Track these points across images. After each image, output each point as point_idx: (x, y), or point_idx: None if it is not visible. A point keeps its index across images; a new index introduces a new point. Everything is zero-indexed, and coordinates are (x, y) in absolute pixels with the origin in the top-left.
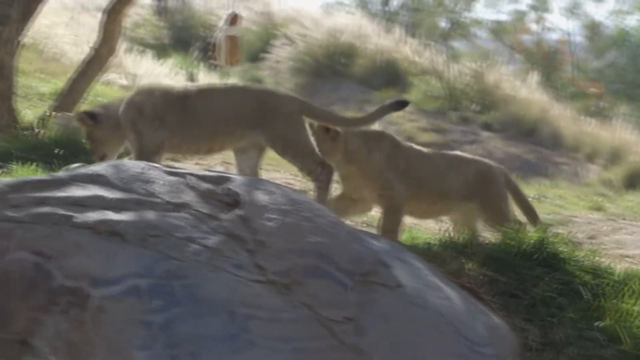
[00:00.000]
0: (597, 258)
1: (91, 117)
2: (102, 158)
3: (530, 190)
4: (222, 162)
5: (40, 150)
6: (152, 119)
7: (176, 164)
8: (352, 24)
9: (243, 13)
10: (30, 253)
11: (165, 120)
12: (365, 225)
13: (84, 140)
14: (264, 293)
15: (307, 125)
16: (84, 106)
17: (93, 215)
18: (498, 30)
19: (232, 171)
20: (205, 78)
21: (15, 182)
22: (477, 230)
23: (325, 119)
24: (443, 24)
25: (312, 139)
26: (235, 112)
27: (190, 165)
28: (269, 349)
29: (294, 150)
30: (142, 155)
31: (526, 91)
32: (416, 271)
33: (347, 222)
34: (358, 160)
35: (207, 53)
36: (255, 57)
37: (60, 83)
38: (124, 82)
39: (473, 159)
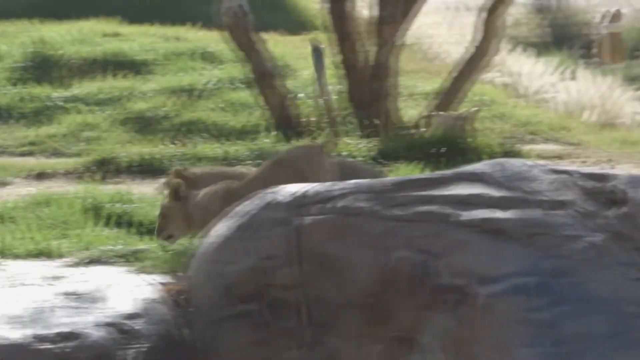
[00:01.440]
0: None
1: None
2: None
3: None
4: (607, 161)
5: (423, 148)
6: None
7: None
8: None
9: (624, 10)
10: (416, 251)
11: None
12: None
13: (468, 139)
14: None
15: None
16: (465, 105)
17: (478, 214)
18: None
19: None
20: (585, 76)
21: (401, 180)
22: None
23: None
24: None
25: None
26: None
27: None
28: None
29: None
30: None
31: None
32: None
33: None
34: None
35: (589, 51)
36: (636, 54)
37: (441, 82)
38: (506, 80)
39: None
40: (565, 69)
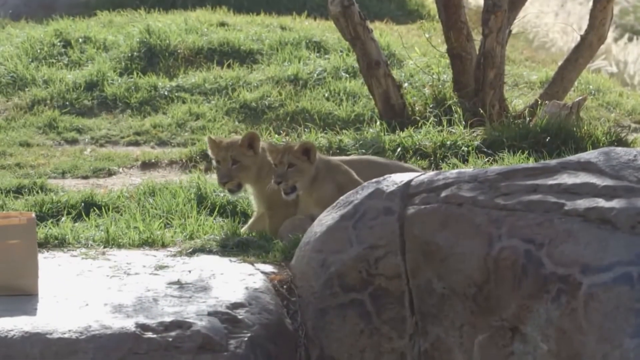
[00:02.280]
0: None
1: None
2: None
3: None
4: None
5: (529, 138)
6: None
7: None
8: None
9: None
10: (521, 241)
11: None
12: None
13: (574, 129)
14: None
15: None
16: (571, 95)
17: (583, 203)
18: None
19: None
20: None
21: (506, 170)
22: None
23: None
24: None
25: None
26: None
27: None
28: None
29: None
30: None
31: None
32: None
33: None
34: None
35: None
36: None
37: (549, 71)
38: (612, 69)
39: None
40: None
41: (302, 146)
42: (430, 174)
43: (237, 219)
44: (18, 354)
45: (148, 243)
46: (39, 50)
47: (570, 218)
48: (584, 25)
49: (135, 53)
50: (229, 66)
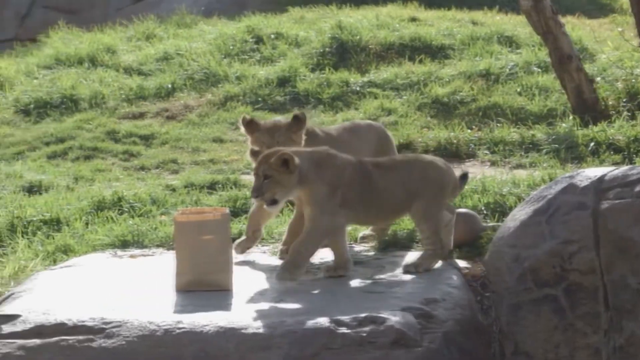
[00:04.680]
0: None
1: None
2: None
3: None
4: None
5: None
6: None
7: None
8: None
9: None
10: None
11: None
12: None
13: None
14: None
15: None
16: None
17: None
18: None
19: None
20: None
21: None
22: None
23: None
24: None
25: None
26: None
27: None
28: None
29: None
30: None
31: None
32: None
33: None
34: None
35: None
36: None
37: None
38: None
39: None
40: None
41: (279, 157)
42: (624, 168)
43: None
44: (213, 348)
45: None
46: (231, 47)
47: None
48: None
49: (326, 49)
50: (420, 61)
